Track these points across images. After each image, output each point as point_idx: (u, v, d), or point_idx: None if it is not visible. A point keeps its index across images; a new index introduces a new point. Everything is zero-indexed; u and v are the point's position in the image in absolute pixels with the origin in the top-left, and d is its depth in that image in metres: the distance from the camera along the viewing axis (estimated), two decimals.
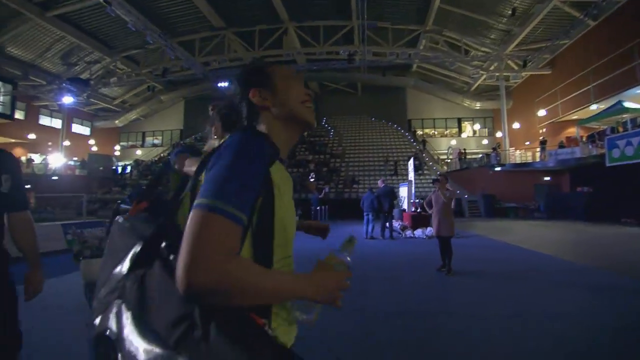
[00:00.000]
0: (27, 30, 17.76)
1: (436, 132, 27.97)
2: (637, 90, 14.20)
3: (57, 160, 20.80)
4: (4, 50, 18.47)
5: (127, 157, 27.62)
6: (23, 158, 20.25)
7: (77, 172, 20.98)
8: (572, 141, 17.21)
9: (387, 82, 25.70)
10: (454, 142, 25.80)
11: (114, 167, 22.88)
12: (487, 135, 25.88)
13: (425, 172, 21.52)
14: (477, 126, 26.67)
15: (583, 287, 4.56)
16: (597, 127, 17.12)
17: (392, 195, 9.36)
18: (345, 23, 19.80)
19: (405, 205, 11.84)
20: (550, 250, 7.30)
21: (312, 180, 18.25)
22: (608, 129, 15.15)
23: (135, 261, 0.71)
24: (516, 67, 20.17)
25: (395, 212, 10.92)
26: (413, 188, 10.43)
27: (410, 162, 11.50)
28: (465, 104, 25.45)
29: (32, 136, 21.19)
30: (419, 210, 10.71)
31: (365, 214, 9.14)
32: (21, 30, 17.63)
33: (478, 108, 25.16)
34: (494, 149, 18.50)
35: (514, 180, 18.22)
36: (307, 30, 20.79)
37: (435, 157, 23.92)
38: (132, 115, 27.41)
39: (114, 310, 0.66)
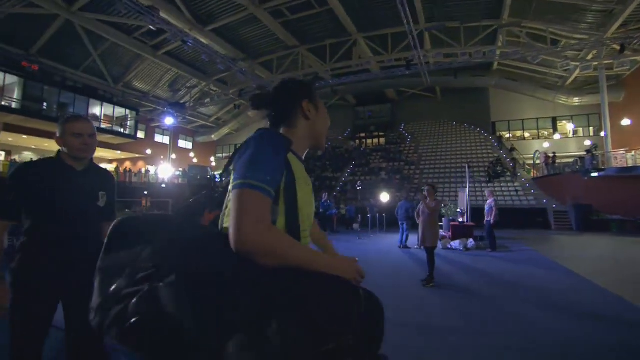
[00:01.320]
0: (145, 67, 22.00)
1: (527, 134, 25.02)
2: None
3: (166, 171, 25.02)
4: (131, 85, 23.17)
5: (221, 167, 31.49)
6: (143, 170, 24.91)
7: (179, 180, 24.85)
8: None
9: (467, 84, 24.17)
10: (546, 144, 22.71)
11: (208, 176, 26.40)
12: (590, 135, 22.16)
13: (508, 178, 19.57)
14: (570, 126, 23.10)
15: None
16: None
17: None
18: (412, 28, 19.45)
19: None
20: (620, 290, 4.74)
21: (359, 188, 18.22)
22: None
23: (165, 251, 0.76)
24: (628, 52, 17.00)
25: (445, 221, 10.40)
26: (467, 197, 9.82)
27: (466, 169, 10.79)
28: (561, 101, 22.26)
29: (149, 151, 25.95)
30: (462, 220, 10.04)
31: (400, 222, 9.03)
32: (141, 69, 21.94)
33: (578, 104, 21.77)
34: (588, 151, 15.83)
35: (621, 188, 15.27)
36: (375, 39, 21.03)
37: (521, 162, 21.46)
38: (226, 130, 31.19)
39: (140, 296, 0.67)
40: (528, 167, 20.86)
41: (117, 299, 0.69)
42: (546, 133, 24.16)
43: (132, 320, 0.64)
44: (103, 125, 21.41)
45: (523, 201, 17.18)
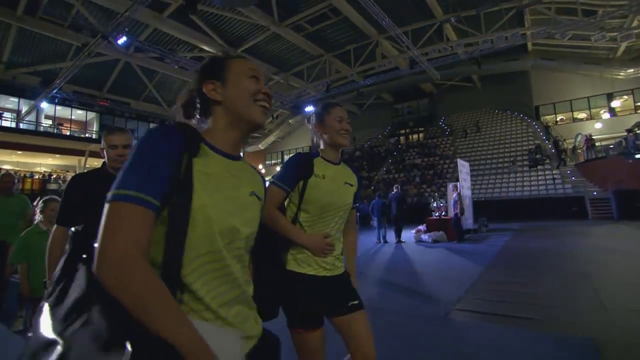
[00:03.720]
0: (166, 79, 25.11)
1: (582, 115, 22.78)
2: None
3: None
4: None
5: (271, 173, 33.97)
6: None
7: None
8: None
9: (502, 69, 22.97)
10: (598, 125, 20.55)
11: None
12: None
13: (546, 166, 18.36)
14: (614, 104, 20.49)
15: None
16: None
17: (403, 200, 9.51)
18: (430, 22, 19.34)
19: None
20: None
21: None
22: None
23: (63, 266, 0.71)
24: None
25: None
26: (460, 189, 9.97)
27: (460, 162, 10.78)
28: (617, 75, 19.96)
29: None
30: (439, 214, 10.20)
31: (375, 219, 9.62)
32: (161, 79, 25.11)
33: (632, 76, 19.36)
34: (630, 130, 14.27)
35: None
36: (395, 38, 21.25)
37: (565, 148, 19.78)
38: (272, 138, 33.55)
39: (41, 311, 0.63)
40: (572, 153, 19.17)
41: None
42: (600, 112, 21.77)
43: None
44: None
45: (559, 190, 16.03)
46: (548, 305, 3.59)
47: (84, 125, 22.27)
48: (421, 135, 28.67)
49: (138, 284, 0.57)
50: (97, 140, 21.98)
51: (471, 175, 20.18)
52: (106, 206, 0.63)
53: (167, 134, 0.72)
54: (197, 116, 0.89)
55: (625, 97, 21.08)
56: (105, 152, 1.77)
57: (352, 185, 1.54)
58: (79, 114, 21.55)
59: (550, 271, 5.22)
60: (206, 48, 19.58)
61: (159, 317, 0.56)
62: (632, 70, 18.86)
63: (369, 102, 31.26)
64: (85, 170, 1.94)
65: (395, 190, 9.59)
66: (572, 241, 8.27)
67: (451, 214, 9.14)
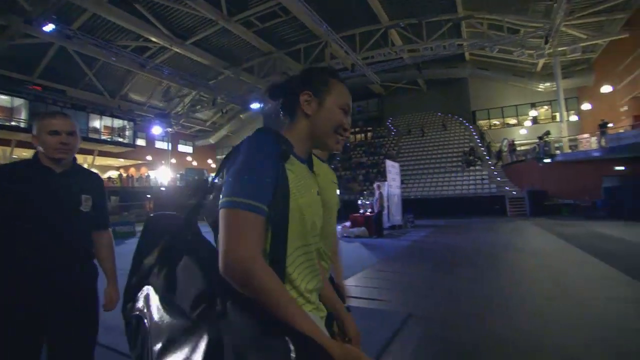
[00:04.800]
0: (138, 81, 24.06)
1: (512, 121, 25.09)
2: None
3: (165, 175, 27.19)
4: (127, 97, 25.35)
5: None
6: (144, 175, 27.20)
7: (177, 183, 26.94)
8: None
9: (445, 75, 24.59)
10: (523, 131, 22.85)
11: (205, 178, 28.34)
12: (566, 119, 22.00)
13: (477, 167, 20.05)
14: (532, 113, 23.00)
15: None
16: None
17: None
18: (377, 27, 20.22)
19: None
20: None
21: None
22: None
23: (162, 252, 0.78)
24: (584, 37, 17.06)
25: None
26: (386, 188, 10.75)
27: (389, 163, 11.65)
28: (537, 88, 22.25)
29: (149, 157, 28.20)
30: (364, 211, 10.94)
31: None
32: (135, 82, 24.03)
33: (554, 89, 21.69)
34: (540, 137, 16.14)
35: (573, 174, 15.59)
36: (345, 40, 21.93)
37: (495, 151, 21.73)
38: (223, 133, 33.05)
39: (144, 294, 0.74)
40: (499, 155, 21.11)
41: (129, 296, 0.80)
42: (525, 119, 24.14)
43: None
44: (103, 137, 23.69)
45: (485, 189, 17.70)
46: (406, 289, 4.28)
47: (9, 112, 20.46)
48: (369, 134, 29.82)
49: (263, 282, 0.67)
50: (27, 130, 20.32)
51: (411, 175, 21.65)
52: (225, 212, 0.71)
53: (269, 144, 0.79)
54: (280, 108, 0.96)
55: (545, 107, 23.55)
56: (41, 140, 1.45)
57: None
58: (2, 99, 19.76)
59: (433, 262, 6.01)
60: (153, 39, 18.87)
61: (282, 307, 0.66)
62: (548, 84, 21.13)
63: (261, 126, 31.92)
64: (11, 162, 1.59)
65: None
66: (479, 236, 9.34)
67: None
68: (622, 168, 14.57)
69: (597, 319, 3.02)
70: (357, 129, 30.73)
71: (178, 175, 28.11)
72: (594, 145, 15.51)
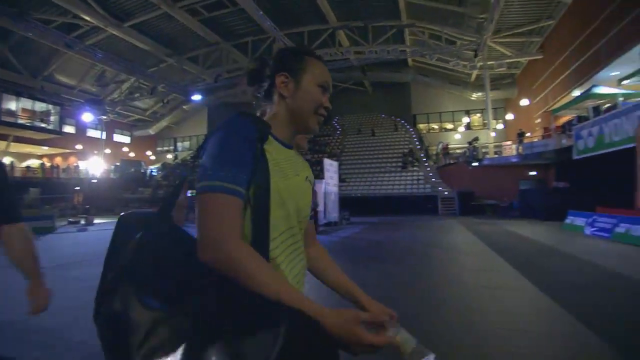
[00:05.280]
0: (67, 61, 21.92)
1: (443, 126, 26.93)
2: (610, 73, 12.68)
3: (97, 166, 25.18)
4: (54, 79, 23.00)
5: (162, 161, 31.77)
6: (73, 165, 24.94)
7: (111, 175, 25.10)
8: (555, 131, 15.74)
9: (390, 79, 25.62)
10: (457, 136, 24.68)
11: (142, 171, 26.77)
12: (493, 127, 24.18)
13: (415, 168, 21.22)
14: (464, 120, 25.13)
15: None
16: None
17: None
18: (325, 27, 20.51)
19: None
20: None
21: None
22: (575, 118, 13.70)
23: (138, 248, 0.73)
24: (509, 54, 18.84)
25: None
26: (323, 186, 11.02)
27: (327, 162, 11.98)
28: (471, 97, 24.11)
29: (79, 147, 25.92)
30: None
31: None
32: (63, 62, 21.85)
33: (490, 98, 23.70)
34: (470, 143, 17.60)
35: (496, 177, 17.22)
36: (293, 37, 21.94)
37: (433, 153, 23.21)
38: (163, 124, 31.40)
39: (120, 294, 0.68)
40: (434, 157, 22.60)
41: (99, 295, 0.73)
42: (460, 125, 26.06)
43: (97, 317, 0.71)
44: (21, 121, 21.27)
45: (421, 189, 18.84)
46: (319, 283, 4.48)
47: None
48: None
49: (242, 260, 0.65)
50: None
51: (353, 173, 22.38)
52: (201, 196, 0.69)
53: (246, 127, 0.76)
54: (260, 94, 0.92)
55: (478, 114, 25.60)
56: None
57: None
58: None
59: (354, 256, 6.36)
60: (85, 17, 17.27)
61: (264, 283, 0.64)
62: (480, 94, 23.00)
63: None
64: None
65: None
66: (406, 233, 9.96)
67: None
68: (534, 173, 16.38)
69: (474, 303, 3.42)
70: None
71: (112, 167, 26.18)
72: (514, 152, 17.26)
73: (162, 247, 0.74)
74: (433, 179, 19.86)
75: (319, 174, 22.32)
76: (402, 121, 27.09)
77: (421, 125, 27.35)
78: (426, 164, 21.64)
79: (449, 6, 16.60)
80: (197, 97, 22.10)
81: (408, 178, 20.26)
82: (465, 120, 25.38)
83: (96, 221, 14.20)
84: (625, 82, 12.21)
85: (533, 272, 4.60)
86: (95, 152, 26.47)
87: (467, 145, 18.47)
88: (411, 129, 26.02)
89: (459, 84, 24.01)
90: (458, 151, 21.91)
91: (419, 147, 23.61)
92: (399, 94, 27.40)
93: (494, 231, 9.90)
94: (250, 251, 0.68)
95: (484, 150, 19.15)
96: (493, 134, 22.12)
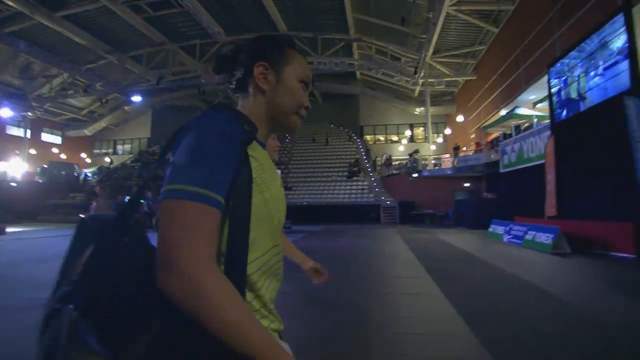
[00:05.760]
0: None
1: (389, 138, 28.14)
2: (528, 96, 14.08)
3: (19, 167, 22.73)
4: None
5: (99, 164, 29.53)
6: None
7: (36, 178, 22.79)
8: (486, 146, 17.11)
9: (339, 90, 26.27)
10: (401, 148, 25.90)
11: (76, 174, 24.64)
12: (433, 141, 25.75)
13: (360, 177, 21.82)
14: (407, 133, 26.65)
15: None
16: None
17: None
18: (274, 34, 20.57)
19: None
20: None
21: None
22: (502, 135, 15.05)
23: (88, 262, 0.59)
24: (448, 73, 20.23)
25: None
26: None
27: None
28: (414, 111, 25.47)
29: None
30: None
31: None
32: None
33: (431, 113, 25.11)
34: (411, 154, 18.58)
35: (435, 187, 18.26)
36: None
37: (378, 163, 24.07)
38: (102, 124, 29.32)
39: (62, 317, 0.54)
40: (379, 168, 23.47)
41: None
42: (405, 137, 27.39)
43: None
44: None
45: (365, 198, 19.41)
46: None
47: None
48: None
49: (216, 300, 0.51)
50: None
51: (301, 182, 22.51)
52: (169, 203, 0.55)
53: (230, 123, 0.63)
54: (231, 84, 0.79)
55: (421, 128, 27.06)
56: None
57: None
58: None
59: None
60: (11, 4, 15.71)
61: (242, 335, 0.51)
62: (422, 109, 24.36)
63: (217, 101, 30.85)
64: None
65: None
66: (344, 241, 10.16)
67: None
68: (468, 185, 17.61)
69: (385, 310, 3.57)
70: None
71: (38, 169, 23.80)
72: (450, 165, 18.47)
73: (115, 264, 0.58)
74: (377, 189, 20.57)
75: None
76: (351, 132, 27.85)
77: (368, 137, 28.29)
78: (371, 174, 22.36)
79: (394, 25, 17.49)
80: (137, 98, 20.94)
81: (353, 187, 20.77)
82: (408, 133, 26.70)
83: (10, 230, 12.76)
84: (538, 105, 13.62)
85: (444, 279, 4.91)
86: (17, 152, 23.95)
87: (408, 157, 19.41)
88: (358, 140, 26.80)
89: (403, 99, 25.27)
90: (401, 162, 23.00)
91: (365, 157, 24.36)
92: (348, 105, 28.18)
93: (425, 239, 10.44)
94: (228, 287, 0.54)
95: (424, 162, 20.27)
96: (433, 147, 23.50)
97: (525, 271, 5.44)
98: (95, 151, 31.54)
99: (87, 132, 28.97)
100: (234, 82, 0.78)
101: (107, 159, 29.91)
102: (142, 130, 30.82)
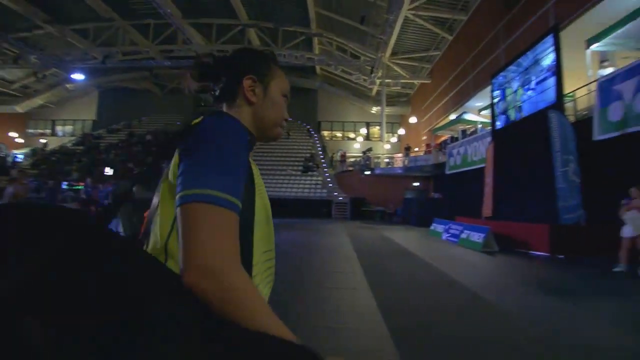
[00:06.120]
0: None
1: (346, 135, 28.58)
2: (475, 103, 14.92)
3: None
4: None
5: (32, 145, 26.94)
6: None
7: None
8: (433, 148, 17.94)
9: (298, 84, 26.11)
10: (357, 145, 26.41)
11: (2, 155, 22.28)
12: (387, 140, 26.56)
13: (314, 172, 21.94)
14: (363, 131, 27.35)
15: None
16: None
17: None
18: (235, 22, 19.99)
19: None
20: None
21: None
22: (449, 138, 15.88)
23: (51, 266, 0.46)
24: (405, 75, 20.87)
25: None
26: None
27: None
28: (371, 110, 26.02)
29: None
30: None
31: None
32: None
33: (387, 113, 25.80)
34: (364, 152, 19.03)
35: (386, 186, 18.82)
36: (202, 27, 20.89)
37: (334, 160, 24.36)
38: (38, 101, 26.74)
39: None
40: (334, 164, 23.80)
41: None
42: (361, 135, 27.94)
43: None
44: None
45: (318, 193, 19.57)
46: None
47: None
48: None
49: (249, 294, 0.54)
50: None
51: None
52: (196, 207, 0.56)
53: (241, 130, 0.66)
54: (214, 93, 0.81)
55: (377, 127, 27.73)
56: None
57: None
58: None
59: None
60: None
61: (265, 320, 0.54)
62: (378, 108, 24.99)
63: (172, 86, 29.45)
64: None
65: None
66: (291, 235, 10.18)
67: None
68: (417, 184, 18.37)
69: (313, 303, 3.63)
70: None
71: None
72: (401, 164, 19.16)
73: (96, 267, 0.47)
74: (330, 185, 20.82)
75: None
76: (308, 126, 27.88)
77: (325, 132, 28.49)
78: (325, 169, 22.58)
79: (354, 23, 17.67)
80: (79, 76, 19.38)
81: (307, 182, 20.85)
82: (364, 131, 27.28)
83: None
84: (483, 112, 14.51)
85: (376, 274, 5.09)
86: None
87: (362, 154, 19.84)
88: (315, 135, 26.91)
89: (361, 97, 25.73)
90: (356, 160, 23.46)
91: (321, 153, 24.53)
92: (306, 100, 28.12)
93: (369, 235, 10.76)
94: (253, 284, 0.58)
95: (377, 160, 20.83)
96: (387, 147, 24.23)
97: (452, 267, 5.79)
98: (30, 131, 28.71)
99: (19, 108, 26.20)
100: (218, 91, 0.81)
101: (42, 140, 27.38)
102: (86, 112, 28.62)
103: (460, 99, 15.49)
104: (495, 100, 11.23)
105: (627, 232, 5.56)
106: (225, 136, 0.63)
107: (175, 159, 0.66)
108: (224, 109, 0.81)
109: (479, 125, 14.17)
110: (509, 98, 10.36)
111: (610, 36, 7.93)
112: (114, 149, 24.95)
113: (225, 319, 0.52)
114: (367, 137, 27.36)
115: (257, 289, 0.59)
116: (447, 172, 15.00)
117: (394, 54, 18.78)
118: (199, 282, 0.52)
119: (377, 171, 18.58)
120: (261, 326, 0.53)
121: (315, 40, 20.73)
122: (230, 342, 0.49)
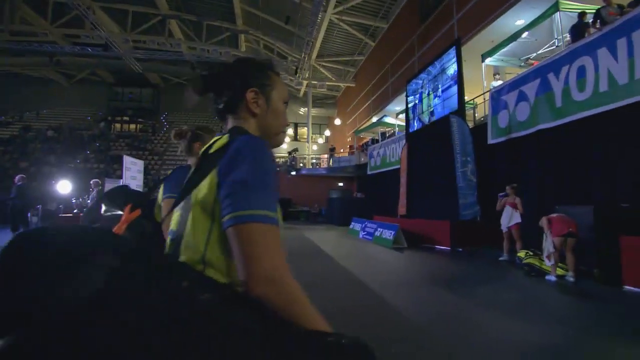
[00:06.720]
0: None
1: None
2: (394, 107, 15.78)
3: None
4: None
5: None
6: None
7: None
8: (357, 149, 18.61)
9: None
10: (284, 146, 26.33)
11: None
12: (313, 141, 27.02)
13: None
14: (290, 132, 27.68)
15: None
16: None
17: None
18: (154, 12, 18.46)
19: None
20: None
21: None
22: (370, 140, 16.63)
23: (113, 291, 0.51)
24: (331, 77, 21.32)
25: None
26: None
27: (127, 159, 10.63)
28: (301, 111, 26.15)
29: None
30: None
31: None
32: None
33: (314, 114, 26.10)
34: (290, 153, 19.06)
35: (312, 186, 18.99)
36: (115, 13, 18.92)
37: None
38: None
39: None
40: None
41: None
42: (289, 135, 27.88)
43: None
44: None
45: None
46: None
47: None
48: (139, 126, 26.83)
49: (300, 294, 0.66)
50: None
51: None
52: (259, 227, 0.65)
53: (268, 149, 0.74)
54: (219, 106, 0.86)
55: (305, 128, 27.96)
56: None
57: None
58: None
59: None
60: None
61: (316, 318, 0.66)
62: (305, 109, 25.24)
63: (81, 76, 26.31)
64: None
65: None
66: None
67: None
68: (341, 184, 18.87)
69: None
70: (124, 118, 27.09)
71: None
72: (326, 165, 19.53)
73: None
74: None
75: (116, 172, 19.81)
76: None
77: None
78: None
79: (280, 23, 17.54)
80: None
81: None
82: (290, 132, 27.33)
83: None
84: (400, 115, 15.45)
85: None
86: None
87: (287, 155, 19.79)
88: None
89: (291, 98, 25.69)
90: (282, 160, 23.34)
91: None
92: None
93: (288, 235, 10.68)
94: (298, 284, 0.67)
95: (303, 161, 20.94)
96: (314, 147, 24.57)
97: (358, 264, 5.97)
98: None
99: None
100: (223, 104, 0.85)
101: None
102: None
103: (381, 103, 16.29)
104: (410, 105, 11.99)
105: (503, 224, 6.25)
106: (262, 157, 0.70)
107: (211, 179, 0.71)
108: (229, 120, 0.86)
109: (397, 128, 15.02)
110: (423, 102, 11.13)
111: (498, 53, 8.96)
112: (2, 145, 21.38)
113: (278, 320, 0.61)
114: (296, 138, 27.41)
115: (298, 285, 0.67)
116: (369, 172, 15.63)
117: (320, 56, 19.07)
118: (267, 292, 0.62)
119: (303, 172, 18.67)
120: (314, 323, 0.64)
121: (242, 37, 20.20)
122: (294, 339, 0.60)
